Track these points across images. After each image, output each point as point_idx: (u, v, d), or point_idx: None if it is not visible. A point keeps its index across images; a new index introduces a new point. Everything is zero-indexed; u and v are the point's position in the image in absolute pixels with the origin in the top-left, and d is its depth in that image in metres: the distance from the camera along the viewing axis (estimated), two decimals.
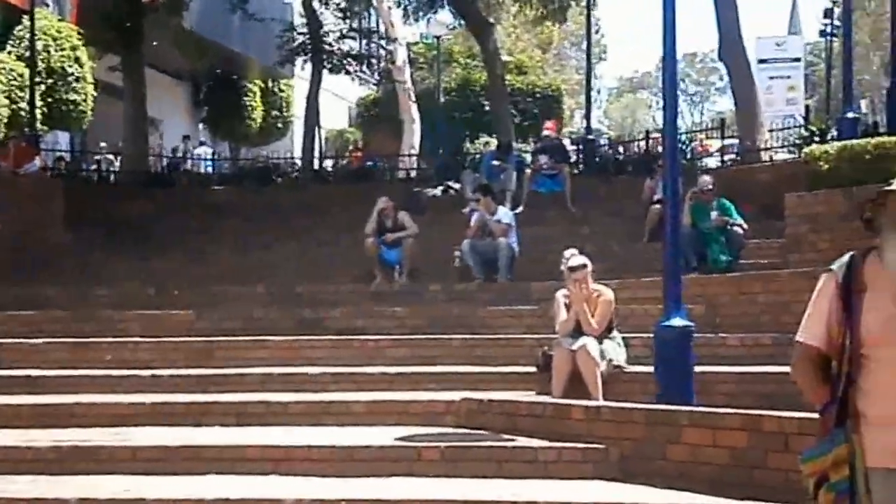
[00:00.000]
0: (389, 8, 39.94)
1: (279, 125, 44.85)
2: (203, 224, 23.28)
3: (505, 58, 40.08)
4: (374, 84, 43.75)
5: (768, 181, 19.98)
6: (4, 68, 25.41)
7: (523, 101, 42.40)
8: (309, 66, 34.55)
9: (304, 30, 34.92)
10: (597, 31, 68.66)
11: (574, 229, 19.39)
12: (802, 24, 75.27)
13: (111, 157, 33.22)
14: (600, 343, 12.65)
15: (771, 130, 26.73)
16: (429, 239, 19.09)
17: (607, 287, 13.29)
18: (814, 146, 18.36)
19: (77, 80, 28.32)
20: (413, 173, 31.08)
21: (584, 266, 13.03)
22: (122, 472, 10.78)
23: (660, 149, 21.00)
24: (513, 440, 11.22)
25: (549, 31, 55.06)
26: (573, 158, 27.58)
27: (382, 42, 39.05)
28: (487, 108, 37.50)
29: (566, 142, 31.06)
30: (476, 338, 15.05)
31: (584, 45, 36.93)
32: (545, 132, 24.75)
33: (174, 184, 29.38)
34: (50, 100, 27.46)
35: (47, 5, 30.69)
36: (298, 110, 40.25)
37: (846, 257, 4.91)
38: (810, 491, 4.87)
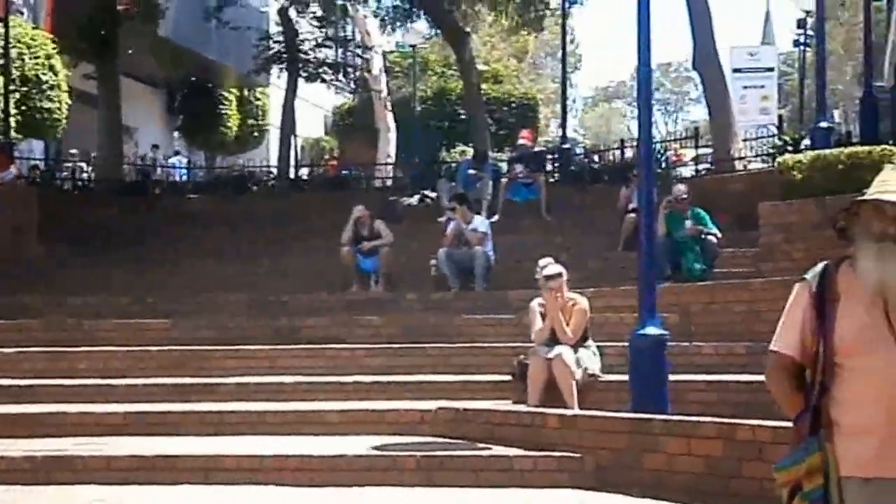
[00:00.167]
0: (365, 17, 39.96)
1: (255, 133, 44.80)
2: (178, 233, 23.23)
3: (481, 67, 40.14)
4: (350, 93, 43.76)
5: (742, 190, 20.05)
6: None
7: (499, 111, 42.45)
8: (285, 74, 34.55)
9: (280, 38, 34.91)
10: (572, 41, 68.78)
11: (549, 238, 19.43)
12: (776, 35, 75.46)
13: (82, 164, 33.08)
14: (575, 352, 12.69)
15: (745, 140, 26.81)
16: (405, 248, 19.12)
17: (582, 296, 13.33)
18: (787, 156, 18.42)
19: (51, 88, 28.28)
20: (389, 182, 31.07)
21: (560, 275, 13.07)
22: (98, 481, 10.78)
23: (635, 157, 21.07)
24: (489, 449, 11.26)
25: (525, 40, 55.11)
26: (548, 167, 27.63)
27: (358, 51, 39.07)
28: (463, 117, 37.53)
29: (542, 150, 31.10)
30: (452, 346, 15.07)
31: (560, 55, 36.94)
32: (521, 141, 24.79)
33: (149, 192, 29.30)
34: (24, 108, 27.40)
35: (21, 13, 30.64)
36: (274, 119, 40.24)
37: (820, 266, 4.90)
38: (784, 500, 4.88)
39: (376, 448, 11.44)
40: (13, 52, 26.25)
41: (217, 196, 27.78)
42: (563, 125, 33.76)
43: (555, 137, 46.00)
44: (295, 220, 23.60)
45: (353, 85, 40.62)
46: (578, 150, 36.89)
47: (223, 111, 42.15)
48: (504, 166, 25.68)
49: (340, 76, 37.06)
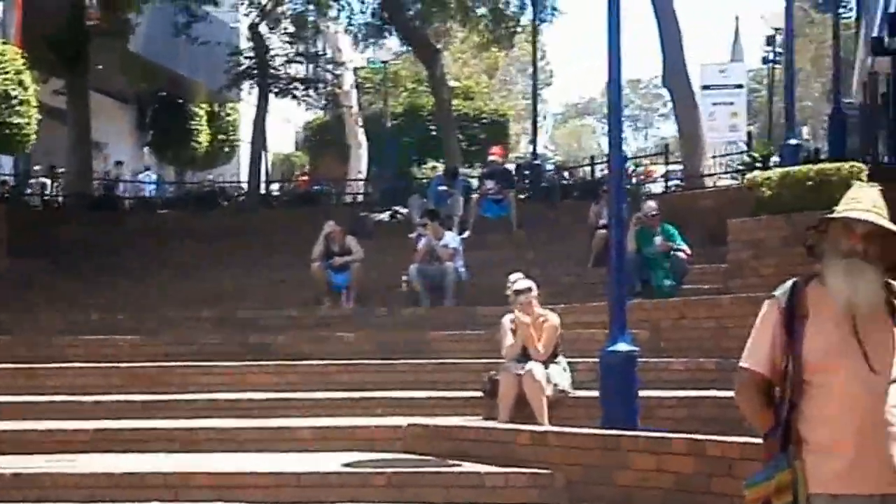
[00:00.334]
0: (336, 33, 39.98)
1: (225, 149, 44.71)
2: (148, 248, 23.17)
3: (452, 83, 40.22)
4: (321, 108, 43.74)
5: (712, 207, 20.11)
6: None
7: (470, 127, 42.52)
8: (255, 90, 34.53)
9: (251, 54, 34.89)
10: (542, 57, 69.00)
11: (520, 254, 19.46)
12: (745, 52, 75.80)
13: (45, 180, 32.92)
14: (546, 368, 12.71)
15: (714, 156, 26.95)
16: (376, 263, 19.11)
17: (553, 312, 13.35)
18: (756, 172, 18.52)
19: (21, 103, 28.12)
20: (360, 198, 31.08)
21: (529, 289, 13.10)
22: (66, 499, 10.72)
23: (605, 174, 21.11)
24: (459, 465, 11.25)
25: (496, 57, 55.23)
26: (519, 183, 27.68)
27: (329, 67, 39.08)
28: (434, 133, 37.58)
29: (512, 167, 31.17)
30: (423, 363, 15.05)
31: (531, 71, 37.05)
32: (491, 157, 24.83)
33: (118, 208, 29.23)
34: None
35: None
36: (245, 134, 40.19)
37: (789, 283, 4.95)
38: None
39: (347, 465, 11.42)
40: None
41: (187, 211, 27.74)
42: (533, 141, 33.90)
43: (526, 154, 46.05)
44: (265, 236, 23.58)
45: (324, 101, 40.61)
46: (549, 167, 37.00)
47: (193, 126, 42.05)
48: (475, 182, 25.73)
49: (311, 92, 37.06)
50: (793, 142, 21.62)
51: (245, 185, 32.50)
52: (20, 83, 28.00)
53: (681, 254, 16.82)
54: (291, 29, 35.93)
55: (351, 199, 30.84)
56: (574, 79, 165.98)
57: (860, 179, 14.00)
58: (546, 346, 12.86)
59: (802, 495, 4.77)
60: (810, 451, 4.77)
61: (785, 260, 14.02)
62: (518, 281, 13.42)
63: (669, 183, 28.25)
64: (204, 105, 42.61)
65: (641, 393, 11.69)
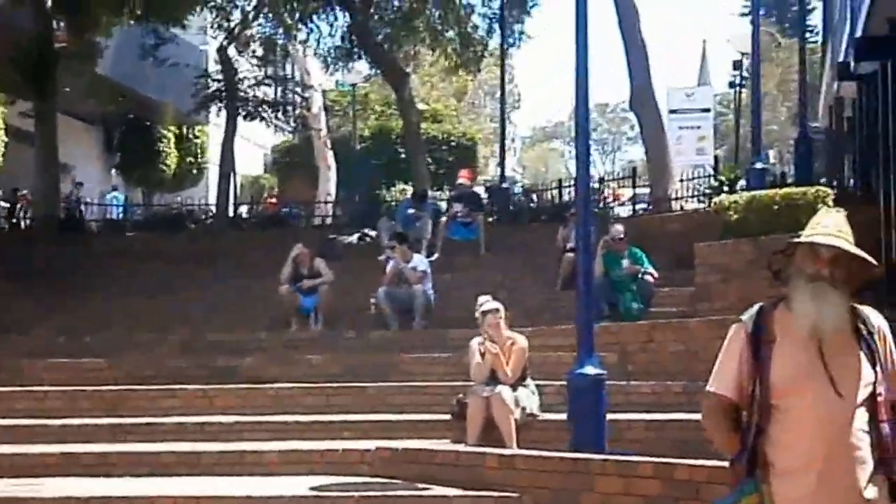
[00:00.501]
0: (305, 56, 40.01)
1: (194, 171, 44.65)
2: (115, 270, 23.07)
3: (420, 106, 40.30)
4: (290, 131, 43.76)
5: (679, 230, 20.19)
6: None
7: (438, 150, 42.62)
8: (224, 112, 34.50)
9: (219, 76, 34.87)
10: (510, 81, 69.20)
11: (488, 277, 19.47)
12: (712, 75, 76.30)
13: (7, 204, 32.72)
14: (514, 391, 12.72)
15: (681, 180, 27.06)
16: (345, 286, 19.08)
17: (521, 335, 13.37)
18: (723, 196, 18.60)
19: None
20: (329, 220, 31.07)
21: (497, 310, 13.13)
22: None
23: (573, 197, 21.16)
24: (428, 489, 11.24)
25: (464, 80, 55.36)
26: (487, 206, 27.73)
27: (298, 89, 39.08)
28: (403, 155, 37.62)
29: (480, 189, 31.23)
30: (391, 385, 15.05)
31: (499, 95, 37.17)
32: (460, 180, 24.88)
33: (85, 230, 29.11)
34: None
35: None
36: (213, 156, 40.16)
37: (755, 308, 4.97)
38: None
39: (315, 488, 11.39)
40: None
41: (155, 234, 27.65)
42: (501, 165, 33.96)
43: (494, 177, 46.16)
44: (233, 258, 23.51)
45: (292, 123, 40.64)
46: (517, 190, 37.08)
47: (161, 149, 42.00)
48: (443, 205, 25.77)
49: (280, 115, 37.07)
50: (759, 166, 21.71)
51: (213, 208, 32.42)
52: None
53: (648, 277, 16.90)
54: (260, 52, 35.94)
55: (320, 222, 30.81)
56: (542, 102, 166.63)
57: (826, 204, 14.09)
58: (514, 370, 12.88)
59: None
60: (777, 474, 4.79)
61: (752, 283, 14.08)
62: (486, 303, 13.45)
63: (637, 206, 28.35)
64: (172, 127, 42.57)
65: (609, 416, 11.72)
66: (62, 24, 29.24)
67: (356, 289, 19.18)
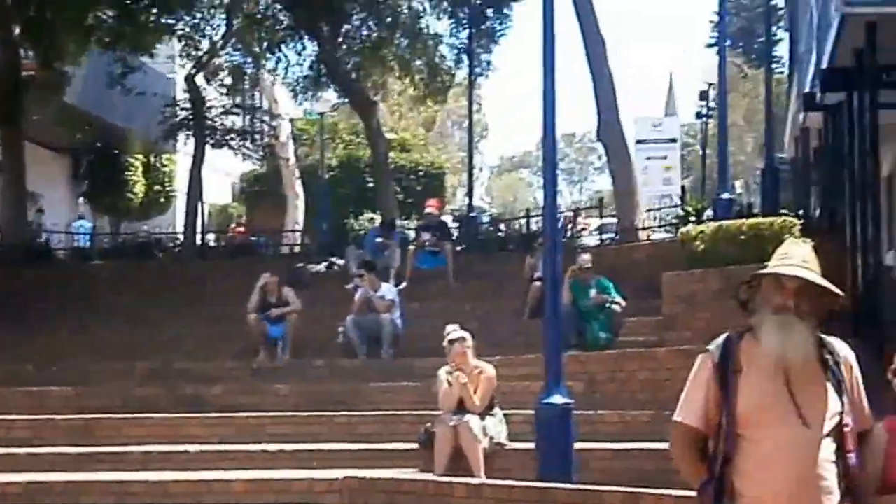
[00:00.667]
0: (273, 84, 40.02)
1: (161, 199, 44.51)
2: (83, 299, 22.99)
3: (389, 135, 40.34)
4: (258, 159, 43.73)
5: (646, 260, 20.27)
6: None
7: (407, 179, 42.66)
8: (192, 140, 34.47)
9: (187, 105, 34.85)
10: (478, 110, 69.37)
11: (457, 306, 19.50)
12: (679, 106, 76.74)
13: None
14: (482, 420, 12.75)
15: (648, 210, 27.17)
16: (312, 315, 19.08)
17: (489, 364, 13.40)
18: (690, 226, 18.69)
19: None
20: (297, 248, 31.04)
21: (464, 339, 13.17)
22: None
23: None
24: None
25: (433, 110, 55.51)
26: (455, 235, 27.78)
27: (266, 118, 39.09)
28: (371, 184, 37.65)
29: (448, 218, 31.29)
30: (359, 415, 15.06)
31: (467, 124, 37.30)
32: (428, 210, 24.91)
33: (53, 258, 28.98)
34: None
35: None
36: (181, 184, 40.07)
37: (722, 338, 4.99)
38: None
39: None
40: None
41: (122, 262, 27.55)
42: (469, 194, 34.03)
43: (462, 206, 46.27)
44: (201, 287, 23.46)
45: (260, 152, 40.61)
46: (485, 219, 37.15)
47: (129, 177, 41.87)
48: (412, 234, 25.79)
49: (248, 143, 37.05)
50: (725, 196, 21.82)
51: (181, 236, 32.35)
52: None
53: (616, 307, 16.95)
54: (228, 81, 35.95)
55: (288, 250, 30.78)
56: (510, 131, 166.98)
57: (793, 234, 14.20)
58: (482, 399, 12.91)
59: None
60: (744, 503, 4.83)
61: (719, 313, 14.14)
62: (453, 332, 13.48)
63: (604, 236, 28.44)
64: (140, 155, 42.45)
65: (577, 445, 11.76)
66: (30, 53, 29.17)
67: (324, 317, 19.19)
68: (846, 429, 4.85)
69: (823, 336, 4.94)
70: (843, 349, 4.98)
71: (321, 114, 42.11)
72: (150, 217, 42.16)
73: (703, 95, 44.67)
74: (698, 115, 49.10)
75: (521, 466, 12.14)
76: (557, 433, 11.62)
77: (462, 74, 35.56)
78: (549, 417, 11.68)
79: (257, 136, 37.79)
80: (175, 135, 35.54)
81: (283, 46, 34.10)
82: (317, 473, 13.05)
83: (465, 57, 33.76)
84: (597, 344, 16.51)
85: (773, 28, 41.90)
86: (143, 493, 12.66)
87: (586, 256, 17.78)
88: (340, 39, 33.24)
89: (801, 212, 23.33)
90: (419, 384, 15.33)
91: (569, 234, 27.67)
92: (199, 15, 32.28)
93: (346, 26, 33.27)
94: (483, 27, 33.47)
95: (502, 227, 32.92)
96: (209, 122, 34.33)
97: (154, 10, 27.48)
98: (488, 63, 35.38)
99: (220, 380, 16.89)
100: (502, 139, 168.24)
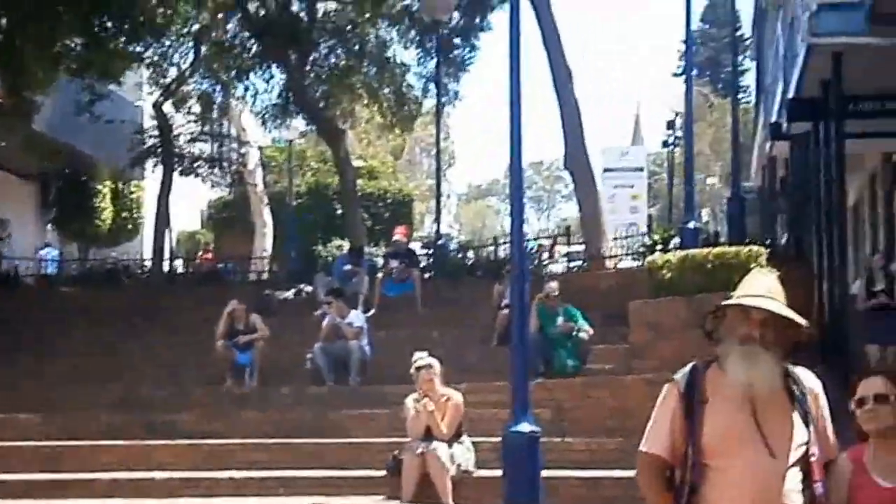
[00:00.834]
0: (241, 112, 40.06)
1: (129, 226, 44.41)
2: (50, 326, 22.90)
3: (357, 163, 40.42)
4: (226, 186, 43.73)
5: (613, 287, 20.34)
6: None
7: (375, 206, 42.75)
8: (160, 167, 34.47)
9: (155, 132, 34.86)
10: (446, 138, 69.53)
11: (425, 333, 19.51)
12: (646, 135, 77.08)
13: None
14: (450, 447, 12.78)
15: (615, 238, 27.28)
16: (280, 342, 19.06)
17: (456, 391, 13.45)
18: (657, 255, 18.76)
19: None
20: (265, 275, 31.02)
21: (430, 366, 13.22)
22: None
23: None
24: None
25: (401, 137, 55.63)
26: (423, 263, 27.81)
27: (234, 145, 39.11)
28: (339, 211, 37.70)
29: (416, 246, 31.35)
30: (327, 442, 15.06)
31: (435, 152, 37.42)
32: (396, 237, 24.95)
33: (20, 284, 28.90)
34: None
35: None
36: (150, 211, 40.03)
37: (688, 368, 5.02)
38: None
39: None
40: None
41: (90, 289, 27.49)
42: (437, 221, 34.08)
43: (430, 233, 46.34)
44: (168, 314, 23.42)
45: (228, 179, 40.62)
46: (453, 246, 37.18)
47: (97, 204, 41.78)
48: (380, 261, 25.82)
49: (216, 170, 37.07)
50: (692, 225, 21.90)
51: (149, 263, 32.31)
52: None
53: (583, 334, 17.01)
54: (197, 108, 35.99)
55: (256, 277, 30.77)
56: (478, 158, 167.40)
57: (759, 263, 14.27)
58: (450, 426, 12.95)
59: None
60: None
61: (685, 341, 14.17)
62: (420, 359, 13.52)
63: (571, 263, 28.52)
64: (108, 182, 42.38)
65: (544, 472, 11.80)
66: None
67: (292, 344, 19.17)
68: (812, 458, 4.88)
69: (790, 366, 4.97)
70: (809, 379, 5.02)
71: (289, 141, 42.19)
72: (119, 244, 42.06)
73: (670, 124, 44.98)
74: (665, 144, 49.43)
75: (489, 494, 12.17)
76: (524, 461, 11.65)
77: (430, 103, 35.74)
78: (517, 445, 11.72)
79: (225, 164, 37.81)
80: (143, 162, 35.56)
81: (251, 74, 34.22)
82: (284, 500, 13.05)
83: (432, 86, 33.91)
84: (564, 371, 16.56)
85: (740, 58, 42.20)
86: None
87: (553, 284, 17.83)
88: (308, 67, 33.37)
89: (767, 240, 23.49)
90: (387, 411, 15.34)
91: (545, 261, 27.79)
92: (167, 43, 32.32)
93: (314, 54, 33.42)
94: (451, 56, 33.65)
95: (470, 254, 32.97)
96: (177, 149, 34.35)
97: (122, 38, 27.47)
98: (456, 92, 35.60)
99: (188, 407, 16.86)
100: (470, 167, 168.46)
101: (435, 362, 13.39)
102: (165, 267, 33.25)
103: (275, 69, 33.96)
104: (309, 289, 24.98)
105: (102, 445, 15.19)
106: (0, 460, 14.95)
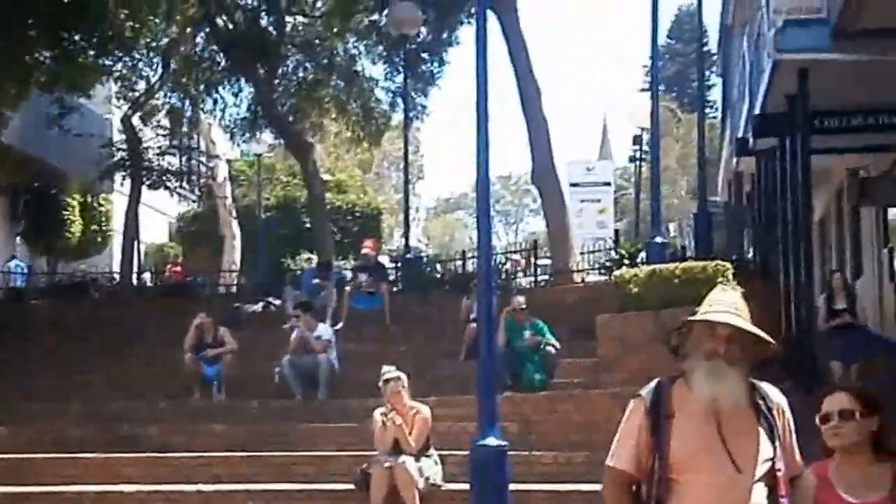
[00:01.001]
0: (210, 125, 40.04)
1: (98, 239, 44.30)
2: (17, 338, 22.83)
3: (325, 177, 40.47)
4: (195, 200, 43.69)
5: (580, 302, 20.41)
6: None
7: (343, 220, 42.78)
8: (129, 180, 34.42)
9: (124, 146, 34.82)
10: (415, 152, 69.59)
11: (393, 347, 19.54)
12: (613, 150, 77.23)
13: None
14: (417, 461, 12.82)
15: (582, 252, 27.36)
16: (248, 355, 19.04)
17: (424, 405, 13.48)
18: (624, 269, 18.81)
19: None
20: (233, 288, 30.99)
21: (398, 379, 13.26)
22: None
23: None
24: None
25: (369, 151, 55.64)
26: (392, 276, 27.84)
27: (203, 159, 39.09)
28: (308, 225, 37.71)
29: (385, 259, 31.37)
30: (295, 455, 15.06)
31: (403, 166, 37.46)
32: (364, 250, 24.98)
33: None
34: None
35: None
36: (118, 224, 39.93)
37: (653, 383, 5.05)
38: None
39: None
40: None
41: (58, 301, 27.40)
42: (405, 235, 34.11)
43: (399, 247, 46.37)
44: (136, 327, 23.36)
45: (197, 192, 40.60)
46: (422, 259, 37.20)
47: (66, 217, 41.66)
48: (348, 275, 25.83)
49: (185, 184, 37.04)
50: (658, 240, 21.94)
51: (117, 276, 32.24)
52: None
53: (550, 348, 17.07)
54: (165, 122, 35.99)
55: (224, 290, 30.73)
56: (446, 172, 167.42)
57: (726, 277, 14.34)
58: (417, 440, 12.98)
59: None
60: None
61: (652, 356, 14.20)
62: (388, 372, 13.56)
63: (538, 277, 28.58)
64: (77, 195, 42.27)
65: (512, 486, 11.84)
66: None
67: (260, 357, 19.16)
68: (779, 474, 4.91)
69: (755, 381, 5.02)
70: (775, 394, 5.06)
71: (258, 155, 42.20)
72: (87, 257, 41.96)
73: (637, 139, 45.03)
74: (632, 159, 49.53)
75: None
76: (492, 474, 11.67)
77: (398, 117, 35.78)
78: (484, 459, 11.74)
79: (194, 177, 37.78)
80: (112, 175, 35.50)
81: (219, 88, 34.25)
82: None
83: (400, 100, 33.98)
84: (532, 385, 16.60)
85: (707, 73, 42.32)
86: None
87: (521, 298, 17.88)
88: (277, 81, 33.44)
89: (734, 256, 23.60)
90: (355, 425, 15.36)
91: (514, 275, 27.84)
92: (136, 56, 32.29)
93: (283, 68, 33.49)
94: (419, 71, 33.71)
95: (439, 267, 33.01)
96: (146, 162, 34.31)
97: (92, 52, 27.45)
98: (423, 107, 35.69)
99: (156, 420, 16.84)
100: (439, 180, 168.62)
101: (403, 376, 13.43)
102: (134, 280, 33.17)
103: (243, 83, 34.03)
104: (277, 302, 24.99)
105: (69, 458, 15.15)
106: None
